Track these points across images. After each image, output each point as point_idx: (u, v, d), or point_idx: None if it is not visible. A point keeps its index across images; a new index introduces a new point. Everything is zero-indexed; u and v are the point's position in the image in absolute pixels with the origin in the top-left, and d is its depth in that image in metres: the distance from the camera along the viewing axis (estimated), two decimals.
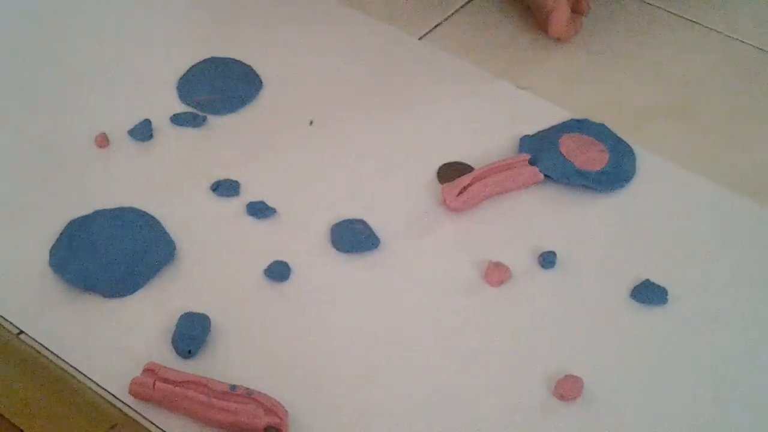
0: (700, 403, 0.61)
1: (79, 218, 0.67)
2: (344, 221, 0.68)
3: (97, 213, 0.68)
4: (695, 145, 0.75)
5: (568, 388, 0.60)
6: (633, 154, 0.74)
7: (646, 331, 0.64)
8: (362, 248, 0.66)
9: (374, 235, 0.67)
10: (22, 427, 0.57)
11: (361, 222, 0.68)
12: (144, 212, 0.68)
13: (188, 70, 0.77)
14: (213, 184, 0.70)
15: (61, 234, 0.66)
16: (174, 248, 0.66)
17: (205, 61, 0.78)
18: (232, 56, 0.79)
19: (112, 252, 0.65)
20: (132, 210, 0.68)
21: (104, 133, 0.72)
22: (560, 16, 0.79)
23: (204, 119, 0.74)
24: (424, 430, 0.59)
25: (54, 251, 0.65)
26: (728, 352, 0.63)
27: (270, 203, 0.69)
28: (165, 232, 0.67)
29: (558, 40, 0.81)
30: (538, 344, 0.63)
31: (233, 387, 0.58)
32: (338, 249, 0.67)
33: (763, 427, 0.60)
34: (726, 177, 0.73)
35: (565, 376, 0.60)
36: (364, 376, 0.61)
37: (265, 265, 0.66)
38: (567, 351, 0.63)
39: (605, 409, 0.60)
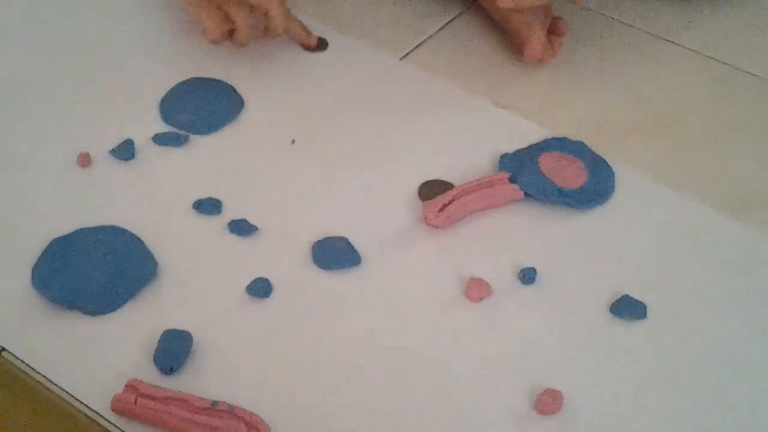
0: (680, 417, 0.61)
1: (61, 237, 0.67)
2: (326, 239, 0.68)
3: (79, 231, 0.68)
4: (673, 161, 0.76)
5: (548, 403, 0.60)
6: (611, 171, 0.74)
7: (626, 346, 0.64)
8: (344, 265, 0.67)
9: (355, 252, 0.67)
10: None
11: (343, 239, 0.68)
12: (126, 230, 0.68)
13: (170, 90, 0.78)
14: (195, 203, 0.71)
15: (43, 252, 0.66)
16: (156, 266, 0.66)
17: (186, 81, 0.79)
18: (213, 76, 0.79)
19: (94, 270, 0.65)
20: (114, 228, 0.68)
21: (87, 153, 0.73)
22: (535, 43, 0.80)
23: (186, 138, 0.75)
24: None
25: (36, 269, 0.65)
26: (707, 366, 0.64)
27: (252, 221, 0.70)
28: (147, 251, 0.67)
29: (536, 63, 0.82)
30: (518, 359, 0.63)
31: (215, 403, 0.58)
32: (320, 266, 0.67)
33: None
34: (705, 193, 0.74)
35: (545, 390, 0.61)
36: (346, 392, 0.61)
37: (247, 282, 0.66)
38: (547, 366, 0.63)
39: (585, 423, 0.60)
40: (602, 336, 0.65)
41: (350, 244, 0.68)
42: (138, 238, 0.68)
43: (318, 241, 0.68)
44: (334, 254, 0.67)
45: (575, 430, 0.60)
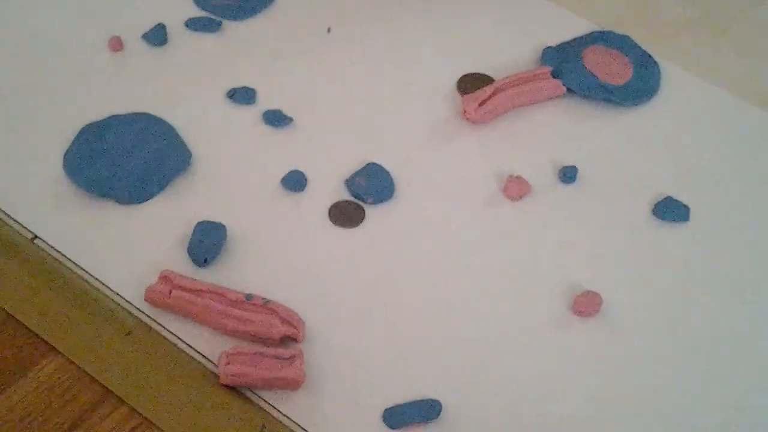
0: (721, 321, 0.60)
1: (93, 123, 0.66)
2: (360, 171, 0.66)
3: (112, 118, 0.66)
4: (722, 60, 0.74)
5: (586, 304, 0.60)
6: (657, 67, 0.72)
7: (667, 249, 0.63)
8: (383, 197, 0.65)
9: (391, 184, 0.65)
10: (37, 332, 0.57)
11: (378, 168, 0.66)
12: (159, 118, 0.67)
13: None
14: (229, 91, 0.69)
15: (75, 139, 0.65)
16: (190, 155, 0.65)
17: None
18: None
19: (127, 158, 0.64)
20: (147, 116, 0.67)
21: (118, 37, 0.71)
22: None
23: (219, 24, 0.73)
24: (440, 343, 0.58)
25: (68, 157, 0.64)
26: (750, 269, 0.62)
27: (287, 112, 0.68)
28: (180, 139, 0.66)
29: None
30: (556, 260, 0.62)
31: (249, 296, 0.58)
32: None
33: None
34: (753, 93, 0.71)
35: (584, 291, 0.60)
36: (381, 287, 0.60)
37: (281, 174, 0.65)
38: (586, 267, 0.62)
39: (623, 326, 0.60)
40: (643, 238, 0.63)
41: (387, 173, 0.66)
42: (171, 126, 0.66)
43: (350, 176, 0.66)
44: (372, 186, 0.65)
45: (613, 332, 0.59)
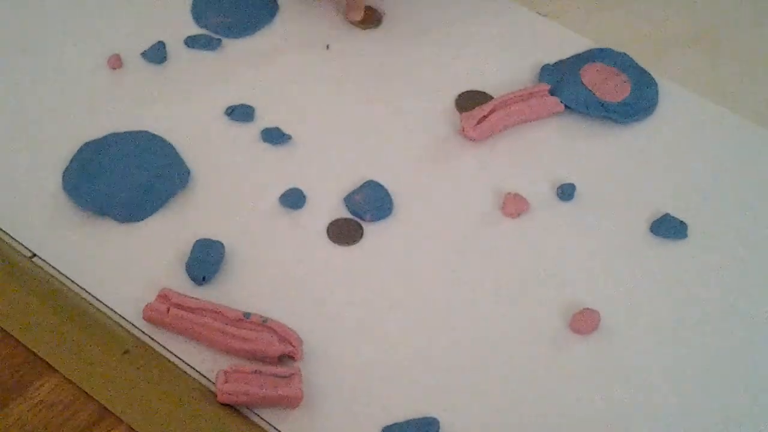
0: (719, 338, 0.60)
1: (92, 141, 0.66)
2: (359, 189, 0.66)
3: (111, 136, 0.67)
4: (719, 76, 0.74)
5: (584, 322, 0.59)
6: (655, 84, 0.72)
7: (665, 266, 0.63)
8: (381, 215, 0.65)
9: (390, 201, 0.65)
10: (35, 351, 0.57)
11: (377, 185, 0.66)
12: (158, 136, 0.67)
13: None
14: (227, 109, 0.69)
15: (74, 157, 0.65)
16: (188, 173, 0.65)
17: None
18: None
19: (126, 176, 0.64)
20: (146, 134, 0.67)
21: (117, 54, 0.71)
22: None
23: (219, 42, 0.73)
24: (438, 361, 0.58)
25: (67, 175, 0.64)
26: (748, 287, 0.62)
27: (285, 129, 0.68)
28: (179, 157, 0.66)
29: None
30: (554, 277, 0.62)
31: (248, 315, 0.58)
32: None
33: None
34: (750, 110, 0.71)
35: (582, 309, 0.60)
36: (379, 305, 0.60)
37: (280, 192, 0.65)
38: (584, 284, 0.62)
39: (621, 344, 0.60)
40: (641, 255, 0.63)
41: (385, 191, 0.66)
42: (170, 144, 0.67)
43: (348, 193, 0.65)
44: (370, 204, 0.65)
45: (611, 349, 0.59)
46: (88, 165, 0.65)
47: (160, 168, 0.65)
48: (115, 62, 0.71)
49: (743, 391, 0.58)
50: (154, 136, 0.67)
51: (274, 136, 0.68)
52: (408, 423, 0.55)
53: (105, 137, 0.66)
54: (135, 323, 0.59)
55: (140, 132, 0.67)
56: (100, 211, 0.63)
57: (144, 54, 0.72)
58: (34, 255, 0.62)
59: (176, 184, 0.65)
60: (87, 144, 0.66)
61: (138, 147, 0.66)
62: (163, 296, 0.58)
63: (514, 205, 0.65)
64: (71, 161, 0.65)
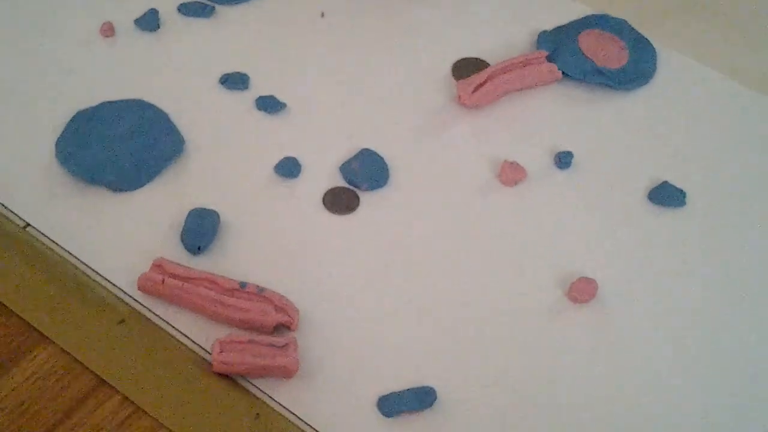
0: (717, 305, 0.60)
1: (84, 110, 0.65)
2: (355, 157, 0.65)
3: (104, 105, 0.66)
4: (719, 43, 0.73)
5: (581, 291, 0.59)
6: (653, 51, 0.72)
7: (663, 234, 0.63)
8: (377, 183, 0.64)
9: (386, 170, 0.65)
10: (29, 321, 0.57)
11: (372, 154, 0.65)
12: (151, 104, 0.66)
13: None
14: (222, 77, 0.68)
15: (66, 126, 0.65)
16: (183, 142, 0.65)
17: None
18: None
19: (119, 145, 0.64)
20: (139, 102, 0.66)
21: (110, 22, 0.70)
22: None
23: (212, 9, 0.72)
24: (434, 330, 0.58)
25: (60, 144, 0.64)
26: (746, 254, 0.62)
27: (280, 98, 0.68)
28: (173, 126, 0.65)
29: None
30: (552, 245, 0.62)
31: (243, 284, 0.57)
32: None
33: None
34: (750, 76, 0.71)
35: (579, 278, 0.60)
36: (376, 274, 0.60)
37: (275, 161, 0.64)
38: (581, 252, 0.62)
39: (619, 312, 0.59)
40: (639, 223, 0.63)
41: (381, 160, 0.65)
42: (164, 113, 0.66)
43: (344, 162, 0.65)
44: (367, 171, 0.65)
45: (609, 318, 0.59)
46: (81, 134, 0.64)
47: (154, 137, 0.64)
48: (108, 30, 0.70)
49: (742, 358, 0.58)
50: (147, 104, 0.66)
51: (269, 105, 0.67)
52: (404, 393, 0.55)
53: (98, 106, 0.66)
54: (130, 293, 0.58)
55: (134, 100, 0.66)
56: (93, 180, 0.62)
57: (137, 21, 0.71)
58: (28, 225, 0.61)
59: (171, 152, 0.64)
60: (80, 113, 0.65)
61: (131, 116, 0.65)
62: (158, 266, 0.58)
63: (511, 174, 0.64)
64: (64, 130, 0.64)
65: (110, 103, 0.66)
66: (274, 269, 0.60)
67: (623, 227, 0.63)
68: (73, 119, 0.65)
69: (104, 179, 0.62)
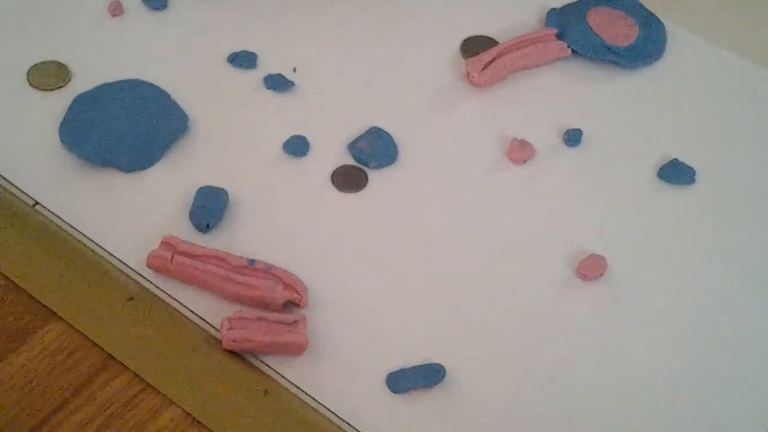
0: (726, 283, 0.60)
1: (84, 93, 0.65)
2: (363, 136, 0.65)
3: (102, 87, 0.65)
4: (729, 20, 0.73)
5: (591, 268, 0.59)
6: (663, 28, 0.71)
7: (673, 212, 0.63)
8: (386, 162, 0.64)
9: (395, 148, 0.64)
10: (39, 299, 0.57)
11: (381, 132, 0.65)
12: (150, 84, 0.66)
13: None
14: (230, 56, 0.68)
15: (68, 110, 0.64)
16: (187, 119, 0.64)
17: None
18: None
19: (123, 126, 0.64)
20: (138, 82, 0.66)
21: (118, 1, 0.70)
22: None
23: None
24: (443, 307, 0.58)
25: (63, 128, 0.63)
26: (756, 231, 0.62)
27: (288, 76, 0.67)
28: (175, 103, 0.65)
29: None
30: (561, 223, 0.62)
31: (252, 262, 0.57)
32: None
33: None
34: (761, 54, 0.70)
35: (589, 255, 0.60)
36: (384, 252, 0.60)
37: (283, 139, 0.64)
38: (591, 230, 0.62)
39: (628, 289, 0.59)
40: (649, 201, 0.63)
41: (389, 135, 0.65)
42: (164, 92, 0.66)
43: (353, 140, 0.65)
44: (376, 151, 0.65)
45: (618, 296, 0.59)
46: (83, 117, 0.64)
47: (156, 116, 0.64)
48: (116, 9, 0.70)
49: (752, 335, 0.58)
50: (147, 83, 0.66)
51: (277, 83, 0.67)
52: (413, 369, 0.55)
53: (97, 88, 0.65)
54: (139, 271, 0.58)
55: (133, 81, 0.66)
56: (101, 162, 0.62)
57: (145, 0, 0.71)
58: (37, 203, 0.61)
59: (176, 130, 0.64)
60: (79, 96, 0.65)
61: (132, 96, 0.65)
62: (167, 244, 0.58)
63: (520, 152, 0.64)
64: (66, 114, 0.64)
65: (108, 84, 0.66)
66: (283, 247, 0.60)
67: (632, 205, 0.63)
68: (74, 103, 0.64)
69: (112, 160, 0.62)
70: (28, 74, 0.67)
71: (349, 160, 0.64)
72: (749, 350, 0.57)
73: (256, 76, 0.68)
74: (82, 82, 0.66)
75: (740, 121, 0.67)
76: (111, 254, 0.59)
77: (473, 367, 0.56)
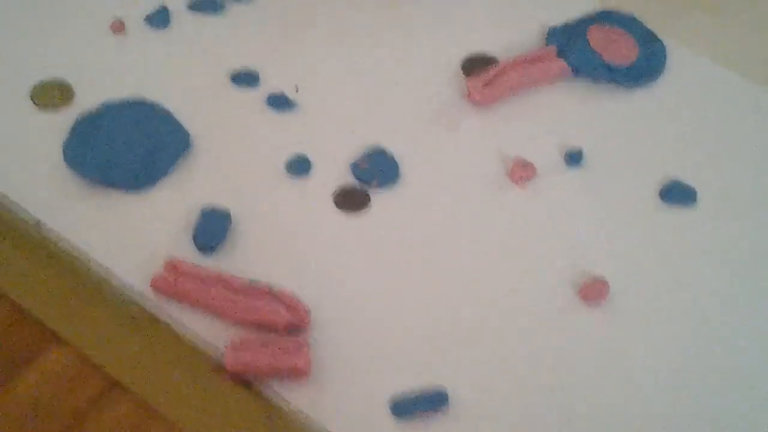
0: (729, 305, 0.60)
1: (87, 112, 0.65)
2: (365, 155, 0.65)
3: (105, 106, 0.66)
4: (729, 39, 0.73)
5: (593, 291, 0.59)
6: (663, 47, 0.71)
7: (675, 233, 0.63)
8: (388, 181, 0.64)
9: (397, 167, 0.65)
10: (43, 321, 0.57)
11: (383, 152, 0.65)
12: (153, 103, 0.66)
13: None
14: (232, 75, 0.68)
15: (71, 130, 0.64)
16: (189, 137, 0.64)
17: None
18: None
19: (125, 145, 0.64)
20: (140, 101, 0.66)
21: (120, 19, 0.70)
22: None
23: (222, 6, 0.72)
24: (447, 330, 0.58)
25: (67, 147, 0.64)
26: (759, 252, 0.62)
27: (290, 96, 0.67)
28: (177, 122, 0.65)
29: None
30: (563, 244, 0.62)
31: (254, 282, 0.58)
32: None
33: None
34: (761, 74, 0.71)
35: (591, 279, 0.60)
36: (387, 273, 0.60)
37: (285, 159, 0.64)
38: (592, 251, 0.62)
39: (631, 312, 0.59)
40: (650, 222, 0.63)
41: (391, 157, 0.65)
42: (167, 110, 0.66)
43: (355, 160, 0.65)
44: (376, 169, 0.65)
45: (621, 318, 0.59)
46: (86, 137, 0.64)
47: (159, 135, 0.64)
48: (119, 27, 0.70)
49: (757, 359, 0.58)
50: (149, 102, 0.66)
51: (280, 102, 0.67)
52: (417, 394, 0.55)
53: (100, 107, 0.65)
54: (142, 293, 0.59)
55: (136, 99, 0.66)
56: (104, 182, 0.62)
57: (148, 18, 0.71)
58: (40, 222, 0.61)
59: (178, 149, 0.64)
60: (82, 115, 0.65)
61: (134, 115, 0.65)
62: (170, 266, 0.58)
63: (521, 171, 0.64)
64: (69, 133, 0.64)
65: (111, 103, 0.66)
66: (286, 268, 0.60)
67: (634, 226, 0.63)
68: (77, 122, 0.65)
69: (116, 180, 0.62)
70: (31, 93, 0.67)
71: (351, 179, 0.64)
72: (757, 373, 0.58)
73: (258, 94, 0.68)
74: (85, 101, 0.66)
75: (741, 141, 0.67)
76: (115, 275, 0.59)
77: (477, 390, 0.56)
